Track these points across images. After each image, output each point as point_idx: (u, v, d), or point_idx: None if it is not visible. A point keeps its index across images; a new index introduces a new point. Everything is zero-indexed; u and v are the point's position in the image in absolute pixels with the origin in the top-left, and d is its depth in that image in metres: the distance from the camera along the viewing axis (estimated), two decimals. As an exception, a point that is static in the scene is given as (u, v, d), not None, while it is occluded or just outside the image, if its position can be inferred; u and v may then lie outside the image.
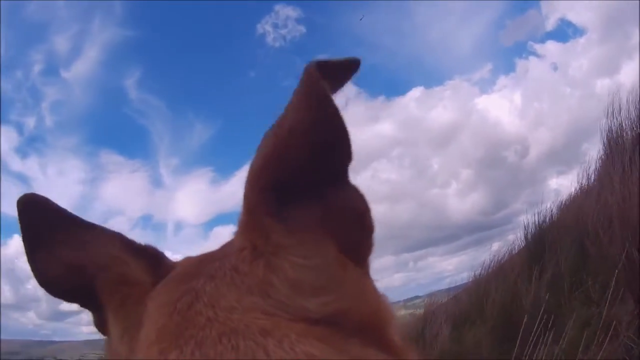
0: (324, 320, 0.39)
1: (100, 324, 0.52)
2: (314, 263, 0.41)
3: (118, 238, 0.52)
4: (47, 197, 0.51)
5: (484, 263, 6.10)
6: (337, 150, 0.40)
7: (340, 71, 0.44)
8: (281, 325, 0.38)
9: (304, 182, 0.41)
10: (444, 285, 7.55)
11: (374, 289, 0.46)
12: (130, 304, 0.47)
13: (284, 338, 0.36)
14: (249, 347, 0.35)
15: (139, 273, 0.49)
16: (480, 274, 6.04)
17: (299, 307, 0.39)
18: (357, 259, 0.44)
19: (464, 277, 6.94)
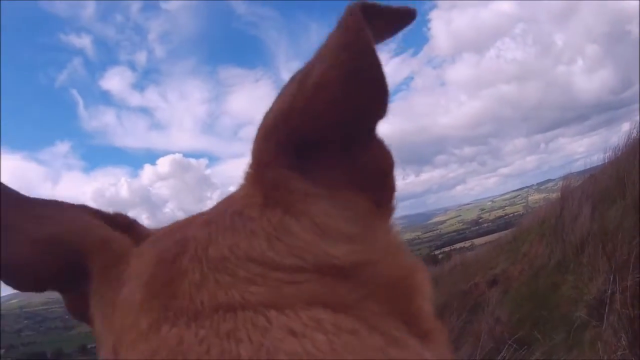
0: (348, 270, 0.35)
1: (72, 306, 0.47)
2: (348, 213, 0.37)
3: (87, 208, 0.48)
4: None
5: (618, 142, 5.85)
6: (371, 109, 0.37)
7: (391, 21, 0.39)
8: (284, 292, 0.33)
9: (328, 139, 0.37)
10: (575, 167, 7.28)
11: (407, 252, 0.42)
12: (113, 264, 0.41)
13: (288, 306, 0.32)
14: (249, 317, 0.32)
15: (119, 236, 0.44)
16: (616, 153, 5.82)
17: (320, 252, 0.35)
18: (387, 219, 0.41)
19: (595, 159, 6.73)
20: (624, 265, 3.32)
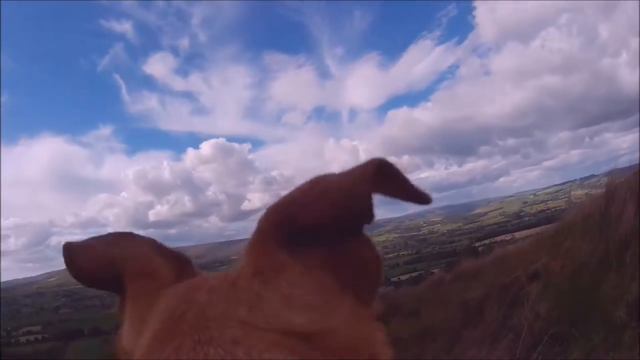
0: (307, 336, 0.41)
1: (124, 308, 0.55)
2: (312, 284, 0.44)
3: (150, 241, 0.57)
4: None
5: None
6: (361, 221, 0.45)
7: (402, 191, 0.44)
8: (253, 335, 0.40)
9: (319, 231, 0.44)
10: (619, 164, 6.98)
11: (370, 321, 0.47)
12: (147, 296, 0.50)
13: (254, 347, 0.39)
14: (218, 355, 0.38)
15: (164, 270, 0.53)
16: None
17: (285, 320, 0.42)
18: (360, 300, 0.46)
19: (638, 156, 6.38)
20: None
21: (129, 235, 0.57)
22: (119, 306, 0.57)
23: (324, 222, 0.43)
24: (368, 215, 0.44)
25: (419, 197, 0.43)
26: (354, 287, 0.46)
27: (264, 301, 0.43)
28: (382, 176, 0.41)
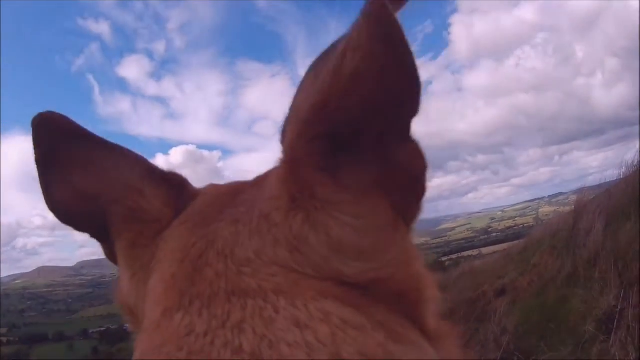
0: (359, 285, 0.37)
1: (112, 255, 0.49)
2: (364, 224, 0.37)
3: (140, 163, 0.49)
4: (66, 116, 0.47)
5: (634, 158, 5.81)
6: (406, 103, 0.35)
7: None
8: (300, 284, 0.35)
9: (362, 135, 0.37)
10: (589, 182, 7.21)
11: (421, 261, 0.42)
12: (141, 244, 0.44)
13: (299, 296, 0.34)
14: (258, 306, 0.33)
15: (156, 205, 0.46)
16: (632, 169, 5.77)
17: (334, 269, 0.36)
18: (408, 226, 0.41)
19: (609, 174, 6.69)
20: (635, 282, 3.31)
21: (116, 156, 0.49)
22: (107, 253, 0.50)
23: (372, 114, 0.35)
24: (416, 97, 0.35)
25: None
26: (405, 212, 0.40)
27: (308, 243, 0.36)
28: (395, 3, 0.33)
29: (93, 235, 0.50)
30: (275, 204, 0.38)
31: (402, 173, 0.38)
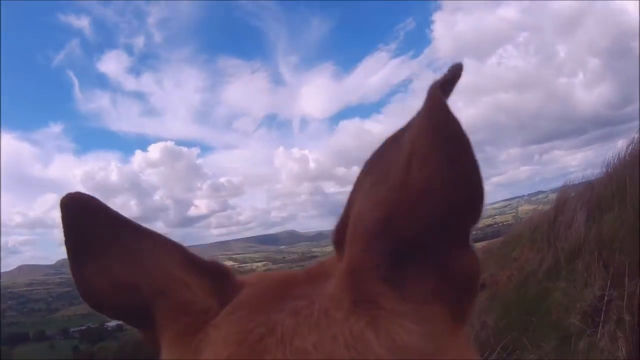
0: None
1: (153, 341, 0.47)
2: (428, 330, 0.37)
3: (179, 252, 0.46)
4: (94, 196, 0.45)
5: (618, 153, 5.76)
6: (471, 214, 0.36)
7: (453, 85, 0.38)
8: None
9: (424, 244, 0.37)
10: (569, 181, 7.15)
11: (474, 354, 0.42)
12: (190, 332, 0.42)
13: None
14: None
15: (202, 297, 0.44)
16: (615, 163, 5.70)
17: None
18: (460, 321, 0.40)
19: (588, 173, 6.64)
20: (621, 272, 3.17)
21: (152, 244, 0.46)
22: (147, 339, 0.48)
23: (431, 234, 0.36)
24: (480, 207, 0.35)
25: (459, 70, 0.38)
26: (463, 316, 0.40)
27: (367, 343, 0.35)
28: (446, 91, 0.35)
29: (130, 323, 0.49)
30: (337, 304, 0.38)
31: (460, 281, 0.39)
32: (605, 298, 3.15)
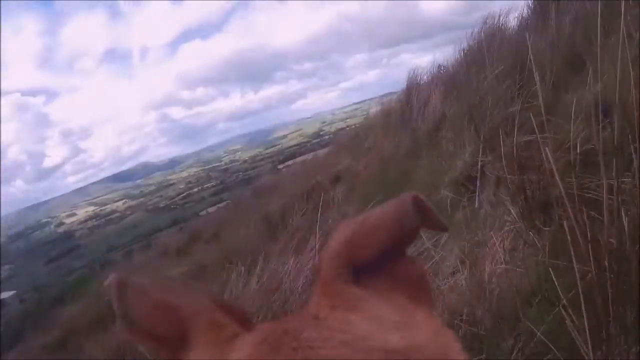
0: (402, 352, 0.42)
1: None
2: (391, 306, 0.46)
3: (210, 293, 0.52)
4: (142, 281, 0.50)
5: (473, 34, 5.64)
6: (409, 239, 0.47)
7: (430, 222, 0.48)
8: (359, 353, 0.41)
9: (375, 260, 0.47)
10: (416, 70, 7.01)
11: (445, 330, 0.47)
12: (222, 341, 0.47)
13: None
14: None
15: (229, 323, 0.49)
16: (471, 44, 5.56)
17: (381, 338, 0.43)
18: (429, 311, 0.49)
19: (439, 59, 6.47)
20: (493, 135, 2.87)
21: (186, 284, 0.53)
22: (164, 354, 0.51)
23: (381, 253, 0.46)
24: (414, 240, 0.49)
25: (443, 226, 0.49)
26: (421, 301, 0.48)
27: (355, 325, 0.43)
28: (420, 211, 0.45)
29: (158, 345, 0.51)
30: (320, 308, 0.46)
31: (405, 277, 0.48)
32: (479, 163, 2.87)
